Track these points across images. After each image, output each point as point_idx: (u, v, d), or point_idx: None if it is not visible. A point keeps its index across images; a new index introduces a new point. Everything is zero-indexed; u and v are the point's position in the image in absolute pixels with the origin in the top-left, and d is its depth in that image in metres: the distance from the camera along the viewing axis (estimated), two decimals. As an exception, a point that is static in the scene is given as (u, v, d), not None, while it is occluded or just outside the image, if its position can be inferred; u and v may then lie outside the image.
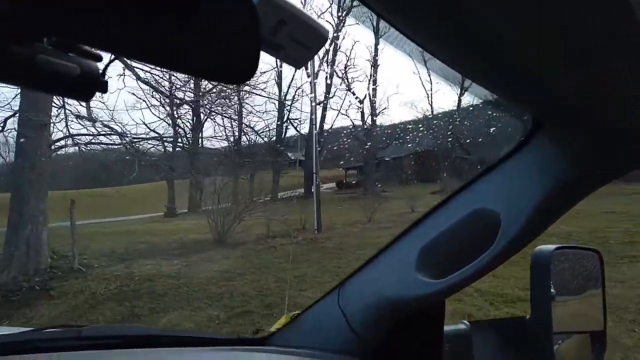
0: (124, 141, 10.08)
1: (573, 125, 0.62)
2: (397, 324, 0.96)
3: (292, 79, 22.86)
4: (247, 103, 17.78)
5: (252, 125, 20.64)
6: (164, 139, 13.39)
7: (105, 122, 9.59)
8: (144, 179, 18.37)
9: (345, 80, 22.99)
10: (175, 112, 18.03)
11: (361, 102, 24.12)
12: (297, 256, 8.29)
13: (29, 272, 7.66)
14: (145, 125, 12.54)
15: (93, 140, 9.73)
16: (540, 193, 0.71)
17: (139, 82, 10.03)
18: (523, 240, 0.75)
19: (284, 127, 23.20)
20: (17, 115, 8.42)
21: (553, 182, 0.71)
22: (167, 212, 17.18)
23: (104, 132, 9.64)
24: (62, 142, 9.37)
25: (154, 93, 14.19)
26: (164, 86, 12.58)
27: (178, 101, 14.64)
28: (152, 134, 12.15)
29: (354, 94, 23.90)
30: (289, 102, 22.87)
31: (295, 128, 24.02)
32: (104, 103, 9.88)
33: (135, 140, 10.51)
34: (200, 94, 13.19)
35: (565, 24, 0.39)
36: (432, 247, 0.86)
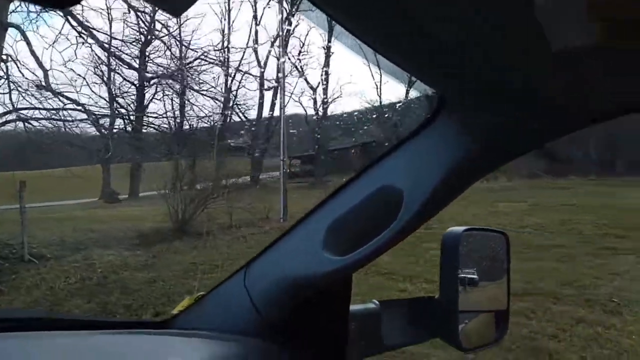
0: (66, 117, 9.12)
1: (475, 102, 0.65)
2: (303, 303, 0.96)
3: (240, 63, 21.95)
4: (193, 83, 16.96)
5: (198, 108, 19.66)
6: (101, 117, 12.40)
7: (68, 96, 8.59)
8: (77, 162, 17.21)
9: (299, 67, 22.57)
10: (116, 90, 16.73)
11: (314, 89, 23.82)
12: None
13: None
14: (80, 104, 11.33)
15: (39, 115, 8.70)
16: (442, 170, 0.74)
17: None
18: (424, 216, 0.78)
19: (230, 113, 22.33)
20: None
21: (456, 159, 0.73)
22: (109, 197, 15.87)
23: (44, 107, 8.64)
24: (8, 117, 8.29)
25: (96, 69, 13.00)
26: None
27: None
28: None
29: (306, 81, 23.49)
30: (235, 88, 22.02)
31: (244, 114, 23.29)
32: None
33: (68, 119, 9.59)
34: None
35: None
36: (339, 225, 0.87)
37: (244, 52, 20.98)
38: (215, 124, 21.01)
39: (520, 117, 0.65)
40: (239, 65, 20.65)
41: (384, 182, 0.82)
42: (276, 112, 22.56)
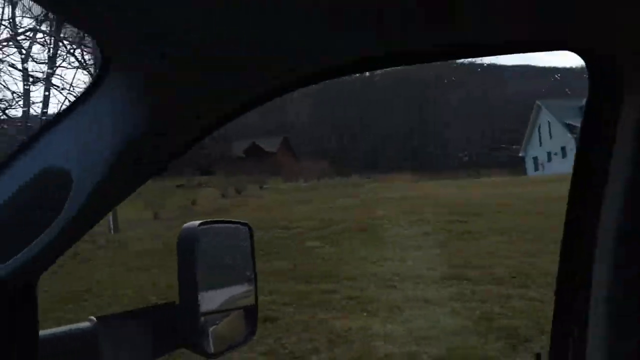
0: None
1: (142, 61, 0.56)
2: None
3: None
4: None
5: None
6: None
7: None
8: None
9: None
10: None
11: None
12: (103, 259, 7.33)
13: None
14: None
15: None
16: (114, 143, 0.63)
17: None
18: (101, 202, 0.68)
19: None
20: None
21: (127, 129, 0.63)
22: None
23: None
24: None
25: None
26: None
27: None
28: None
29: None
30: None
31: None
32: None
33: None
34: None
35: None
36: None
37: None
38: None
39: (198, 79, 0.59)
40: None
41: (46, 163, 0.67)
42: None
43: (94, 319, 0.87)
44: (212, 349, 0.93)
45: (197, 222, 0.91)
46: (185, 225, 0.91)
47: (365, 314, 4.93)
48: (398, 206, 10.78)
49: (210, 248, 0.97)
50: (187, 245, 0.89)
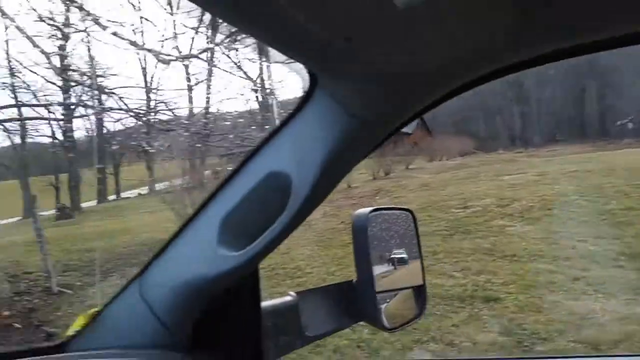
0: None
1: (343, 74, 0.63)
2: (208, 306, 0.93)
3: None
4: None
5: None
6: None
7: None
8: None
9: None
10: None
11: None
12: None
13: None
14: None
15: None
16: (325, 148, 0.73)
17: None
18: (315, 199, 0.77)
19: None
20: None
21: (336, 135, 0.72)
22: (61, 213, 13.82)
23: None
24: None
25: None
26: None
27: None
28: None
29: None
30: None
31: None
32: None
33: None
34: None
35: None
36: (232, 218, 0.84)
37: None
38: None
39: (394, 88, 0.64)
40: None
41: (270, 168, 0.80)
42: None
43: (294, 294, 1.00)
44: (387, 324, 1.02)
45: (368, 210, 1.00)
46: (357, 212, 1.01)
47: (600, 295, 4.58)
48: (575, 180, 9.87)
49: (380, 232, 1.05)
50: (361, 230, 0.98)
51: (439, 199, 9.83)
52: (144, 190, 22.84)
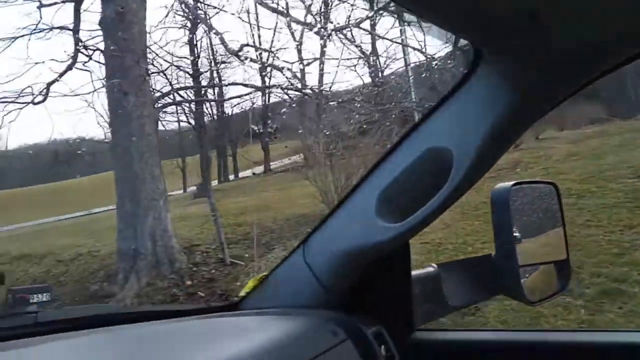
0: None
1: (511, 50, 0.65)
2: (365, 272, 1.01)
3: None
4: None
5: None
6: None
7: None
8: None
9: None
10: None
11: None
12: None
13: (164, 275, 5.78)
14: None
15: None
16: (488, 124, 0.74)
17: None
18: (476, 173, 0.80)
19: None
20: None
21: (499, 111, 0.73)
22: (198, 191, 14.64)
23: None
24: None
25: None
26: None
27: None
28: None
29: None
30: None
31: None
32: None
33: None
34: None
35: None
36: (390, 192, 0.88)
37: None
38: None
39: (558, 61, 0.64)
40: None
41: (430, 144, 0.83)
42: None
43: (435, 265, 1.09)
44: (529, 298, 1.02)
45: (510, 183, 1.02)
46: (498, 185, 1.02)
47: None
48: None
49: (522, 206, 1.06)
50: (502, 204, 0.99)
51: (600, 168, 8.79)
52: (258, 169, 23.73)
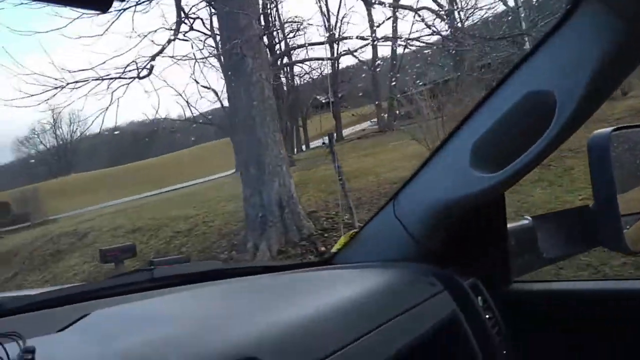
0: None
1: None
2: (458, 225, 1.00)
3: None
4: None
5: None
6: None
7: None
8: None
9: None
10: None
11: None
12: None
13: (294, 241, 5.60)
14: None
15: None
16: (593, 61, 0.70)
17: None
18: (580, 117, 0.76)
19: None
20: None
21: (606, 46, 0.69)
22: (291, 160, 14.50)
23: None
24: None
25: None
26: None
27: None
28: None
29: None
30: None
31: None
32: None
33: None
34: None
35: None
36: (486, 140, 0.86)
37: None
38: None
39: None
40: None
41: (529, 87, 0.79)
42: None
43: (529, 218, 1.07)
44: (630, 248, 0.97)
45: (609, 129, 0.96)
46: (597, 132, 0.96)
47: None
48: None
49: (624, 153, 1.00)
50: (601, 151, 0.94)
51: None
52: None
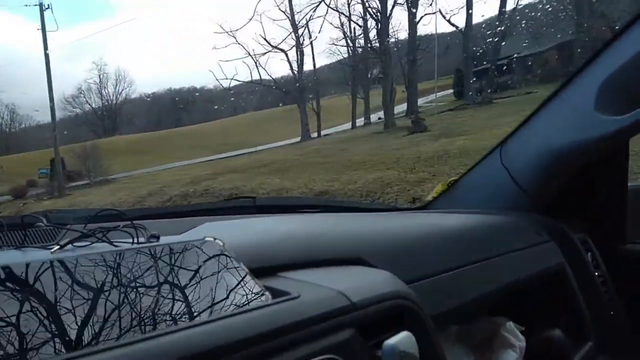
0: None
1: None
2: (573, 176, 0.95)
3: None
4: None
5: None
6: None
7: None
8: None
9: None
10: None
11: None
12: None
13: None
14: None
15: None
16: None
17: None
18: None
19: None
20: None
21: None
22: (415, 126, 13.52)
23: None
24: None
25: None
26: None
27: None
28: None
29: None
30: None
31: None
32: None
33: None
34: None
35: None
36: (615, 80, 0.81)
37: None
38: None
39: None
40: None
41: None
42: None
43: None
44: None
45: None
46: None
47: None
48: None
49: None
50: None
51: None
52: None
